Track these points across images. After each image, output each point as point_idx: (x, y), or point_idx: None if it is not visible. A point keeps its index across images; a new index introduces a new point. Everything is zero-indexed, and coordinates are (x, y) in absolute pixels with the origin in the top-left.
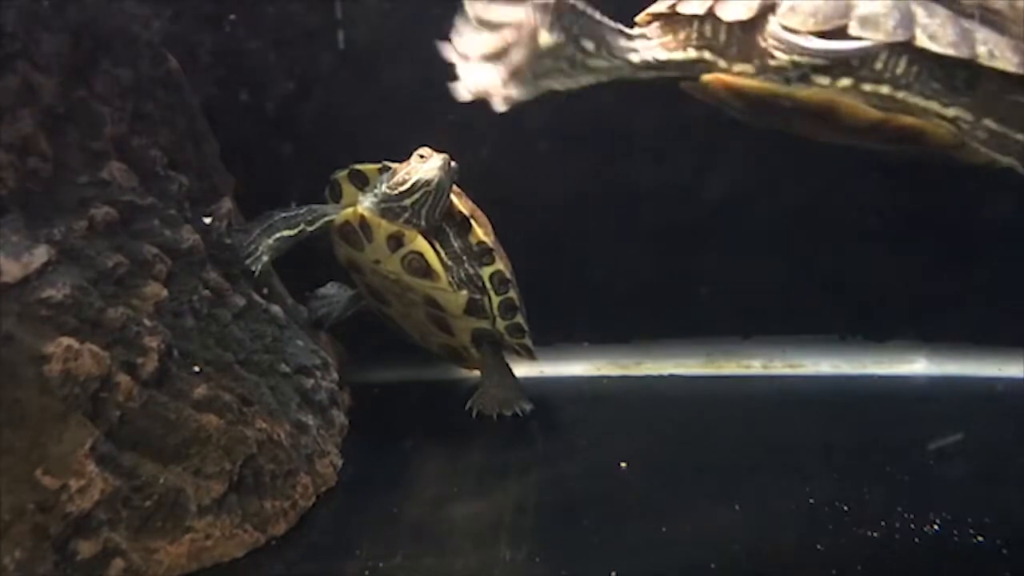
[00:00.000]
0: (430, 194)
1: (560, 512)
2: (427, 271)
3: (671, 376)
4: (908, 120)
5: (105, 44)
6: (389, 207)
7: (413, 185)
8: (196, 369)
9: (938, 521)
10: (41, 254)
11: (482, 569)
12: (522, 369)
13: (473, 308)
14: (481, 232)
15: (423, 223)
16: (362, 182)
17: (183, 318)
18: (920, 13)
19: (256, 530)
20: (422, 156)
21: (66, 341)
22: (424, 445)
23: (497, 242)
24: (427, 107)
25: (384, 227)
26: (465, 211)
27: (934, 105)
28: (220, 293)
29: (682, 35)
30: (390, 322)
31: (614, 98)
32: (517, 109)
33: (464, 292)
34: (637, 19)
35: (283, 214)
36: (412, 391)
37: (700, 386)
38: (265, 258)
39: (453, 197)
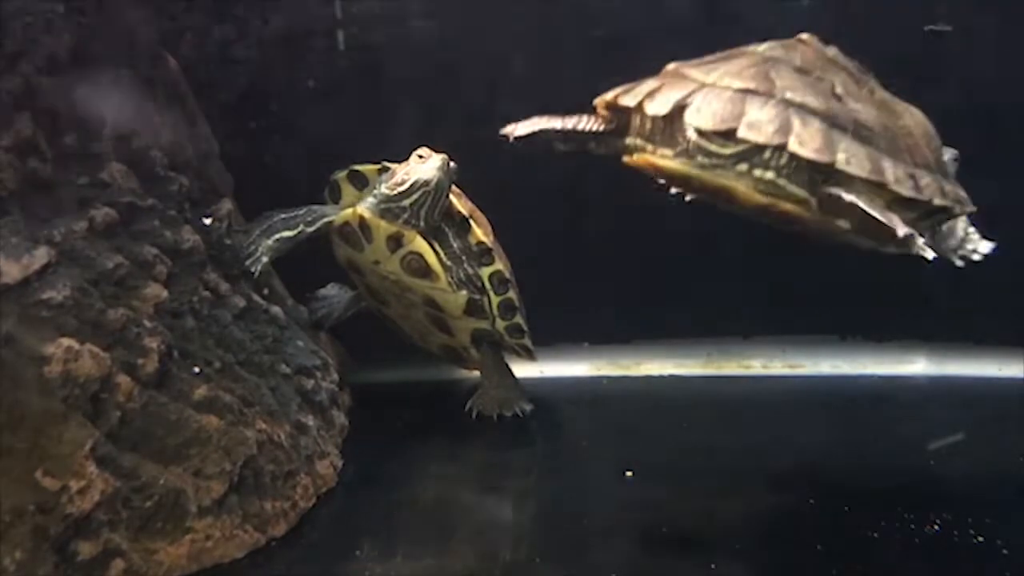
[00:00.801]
0: (429, 194)
1: (560, 513)
2: (426, 271)
3: (671, 376)
4: (787, 206)
5: (105, 45)
6: (388, 208)
7: (412, 185)
8: (196, 370)
9: (938, 521)
10: (41, 255)
11: (482, 570)
12: (522, 369)
13: (472, 308)
14: (480, 232)
15: (422, 223)
16: (361, 183)
17: (183, 319)
18: (796, 124)
19: (256, 531)
20: (421, 156)
21: (66, 342)
22: (424, 446)
23: (496, 242)
24: (427, 107)
25: (383, 228)
26: (464, 211)
27: (805, 192)
28: (220, 294)
29: (622, 121)
30: (390, 323)
31: None
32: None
33: (463, 292)
34: (595, 103)
35: (282, 215)
36: (412, 392)
37: (700, 386)
38: (265, 259)
39: (452, 197)
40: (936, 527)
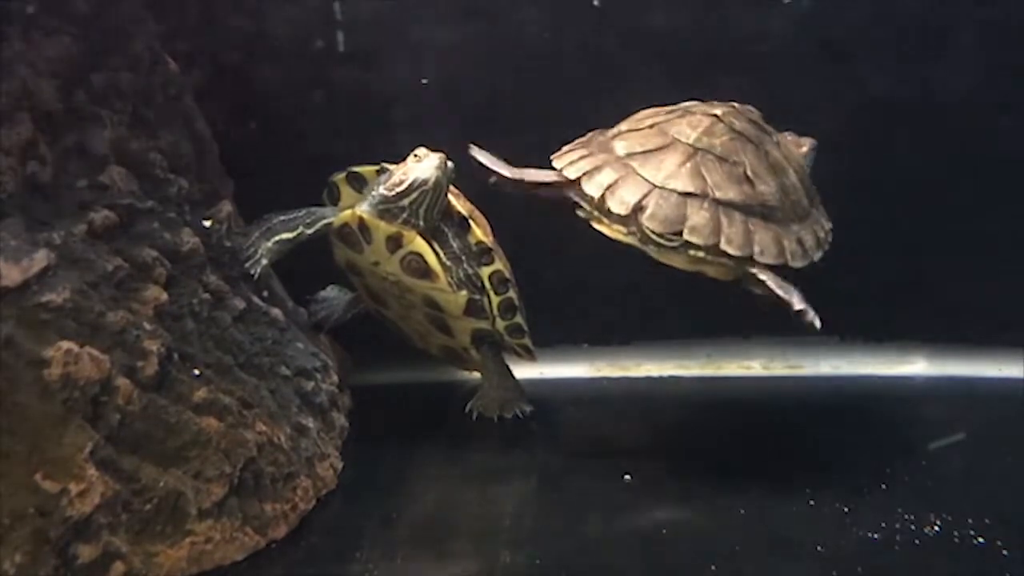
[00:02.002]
0: (427, 193)
1: (561, 514)
2: (426, 272)
3: (671, 377)
4: (711, 271)
5: (104, 47)
6: (387, 208)
7: (410, 185)
8: (196, 372)
9: (938, 522)
10: (41, 258)
11: (482, 573)
12: (522, 370)
13: (472, 308)
14: (480, 232)
15: (421, 223)
16: (360, 184)
17: (183, 321)
18: (724, 223)
19: (256, 533)
20: (417, 156)
21: (66, 345)
22: (424, 447)
23: (496, 243)
24: (428, 108)
25: (383, 228)
26: (463, 211)
27: (730, 264)
28: (220, 296)
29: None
30: (390, 324)
31: (617, 100)
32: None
33: (463, 292)
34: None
35: (281, 217)
36: (412, 393)
37: (700, 387)
38: (264, 261)
39: (451, 197)
40: (936, 528)
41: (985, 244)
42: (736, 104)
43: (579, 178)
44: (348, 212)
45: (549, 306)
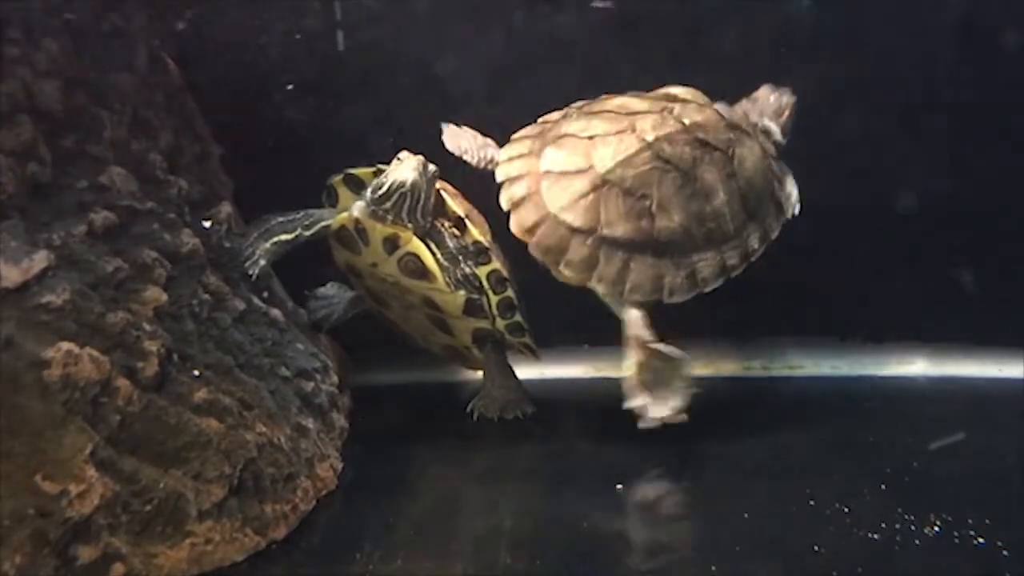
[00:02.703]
0: (406, 196)
1: (561, 515)
2: (423, 272)
3: None
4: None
5: (104, 48)
6: (374, 211)
7: (390, 187)
8: (196, 373)
9: (939, 523)
10: (41, 259)
11: (482, 573)
12: (522, 371)
13: (471, 308)
14: (476, 231)
15: (408, 225)
16: (357, 186)
17: (183, 322)
18: (602, 261)
19: (256, 534)
20: (399, 159)
21: (66, 346)
22: (424, 448)
23: (494, 243)
24: (430, 109)
25: (379, 230)
26: (460, 211)
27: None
28: (220, 297)
29: None
30: (391, 325)
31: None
32: (518, 108)
33: (462, 292)
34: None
35: (280, 219)
36: (412, 394)
37: (700, 388)
38: (262, 262)
39: (447, 197)
40: (936, 528)
41: (985, 244)
42: (696, 112)
43: (503, 183)
44: (345, 215)
45: (549, 307)
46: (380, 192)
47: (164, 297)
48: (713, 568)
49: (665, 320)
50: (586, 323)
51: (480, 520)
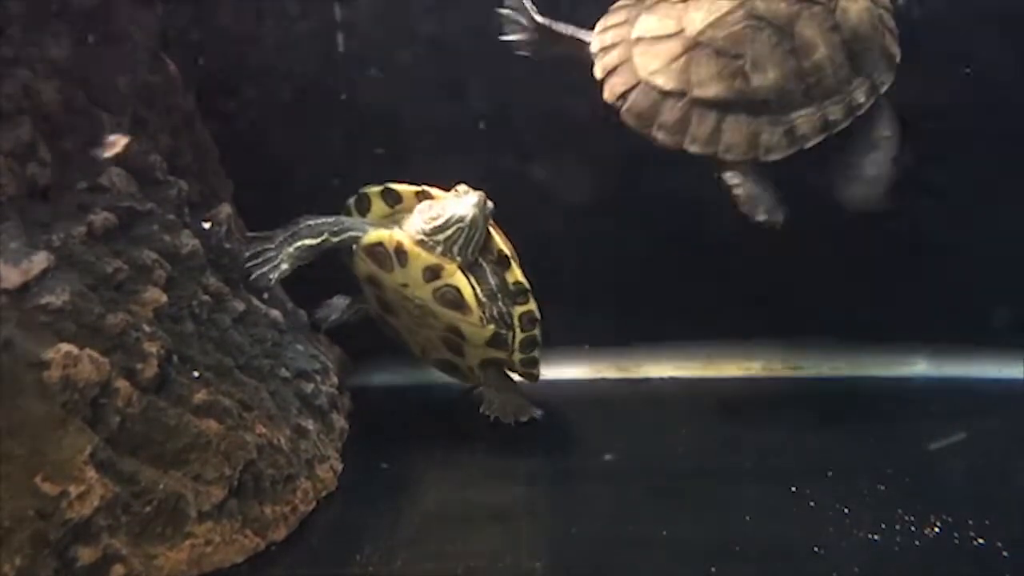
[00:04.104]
0: (463, 231)
1: (561, 516)
2: (460, 304)
3: (671, 379)
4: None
5: (104, 49)
6: (423, 240)
7: (447, 221)
8: (196, 374)
9: (939, 523)
10: (40, 260)
11: (483, 574)
12: None
13: (496, 341)
14: (519, 273)
15: (457, 259)
16: (394, 200)
17: (183, 323)
18: (694, 123)
19: (256, 535)
20: (457, 192)
21: (65, 347)
22: (424, 449)
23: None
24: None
25: (423, 258)
26: (506, 250)
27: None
28: (220, 298)
29: None
30: (390, 330)
31: None
32: (519, 110)
33: (491, 327)
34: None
35: (310, 222)
36: (412, 395)
37: (700, 388)
38: (285, 266)
39: (493, 233)
40: (937, 529)
41: (985, 244)
42: None
43: (596, 53)
44: (386, 233)
45: (549, 307)
46: (435, 224)
47: (164, 298)
48: (713, 569)
49: (666, 321)
50: (586, 324)
51: (480, 521)
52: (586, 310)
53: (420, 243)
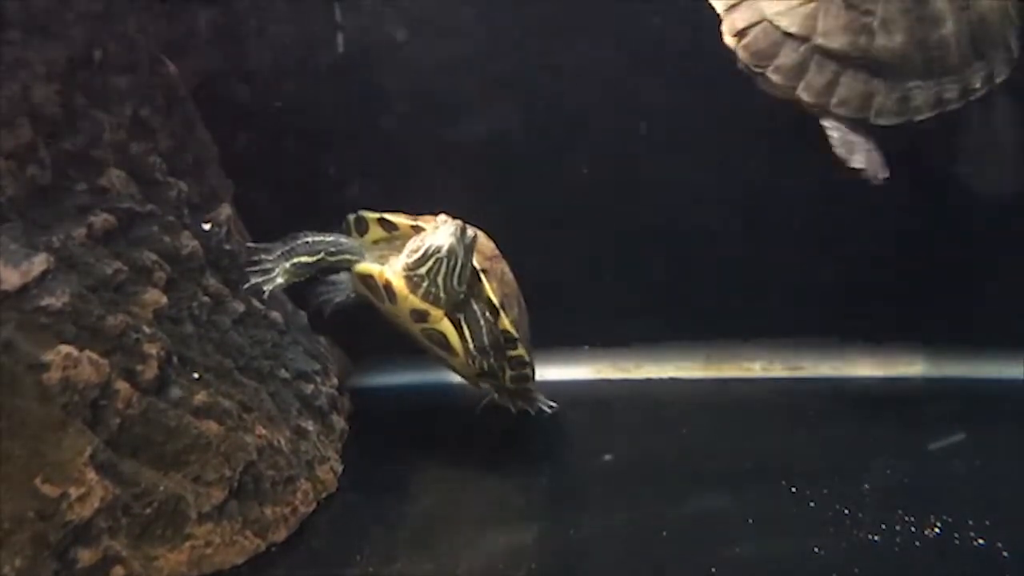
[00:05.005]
0: (441, 262)
1: (561, 516)
2: (447, 347)
3: (671, 379)
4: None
5: (104, 50)
6: (408, 276)
7: (425, 253)
8: (196, 376)
9: (939, 524)
10: (40, 262)
11: (483, 574)
12: None
13: (487, 375)
14: (507, 321)
15: (442, 295)
16: (391, 228)
17: (182, 324)
18: (812, 70)
19: (256, 536)
20: (436, 224)
21: (65, 349)
22: (425, 450)
23: (515, 294)
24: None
25: (410, 300)
26: (495, 299)
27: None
28: (220, 299)
29: None
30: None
31: (618, 102)
32: (520, 110)
33: (480, 362)
34: None
35: (308, 239)
36: (413, 396)
37: (700, 389)
38: (280, 280)
39: (485, 283)
40: (937, 530)
41: (985, 244)
42: None
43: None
44: (376, 269)
45: (550, 308)
46: (415, 257)
47: (164, 300)
48: (713, 570)
49: (666, 321)
50: (586, 324)
51: (480, 522)
52: (586, 311)
53: (407, 279)
